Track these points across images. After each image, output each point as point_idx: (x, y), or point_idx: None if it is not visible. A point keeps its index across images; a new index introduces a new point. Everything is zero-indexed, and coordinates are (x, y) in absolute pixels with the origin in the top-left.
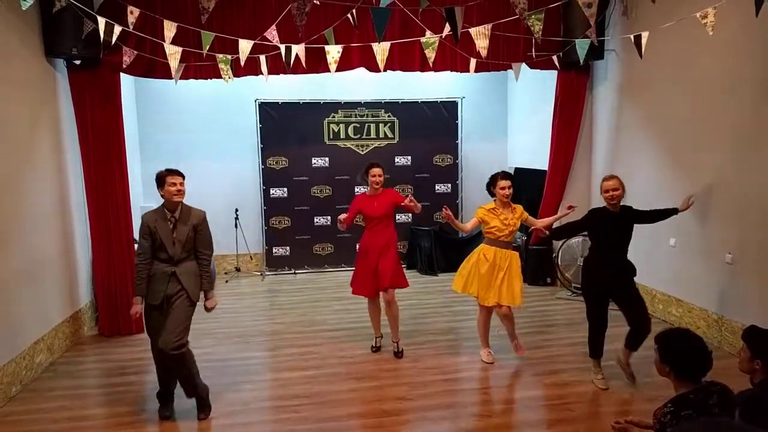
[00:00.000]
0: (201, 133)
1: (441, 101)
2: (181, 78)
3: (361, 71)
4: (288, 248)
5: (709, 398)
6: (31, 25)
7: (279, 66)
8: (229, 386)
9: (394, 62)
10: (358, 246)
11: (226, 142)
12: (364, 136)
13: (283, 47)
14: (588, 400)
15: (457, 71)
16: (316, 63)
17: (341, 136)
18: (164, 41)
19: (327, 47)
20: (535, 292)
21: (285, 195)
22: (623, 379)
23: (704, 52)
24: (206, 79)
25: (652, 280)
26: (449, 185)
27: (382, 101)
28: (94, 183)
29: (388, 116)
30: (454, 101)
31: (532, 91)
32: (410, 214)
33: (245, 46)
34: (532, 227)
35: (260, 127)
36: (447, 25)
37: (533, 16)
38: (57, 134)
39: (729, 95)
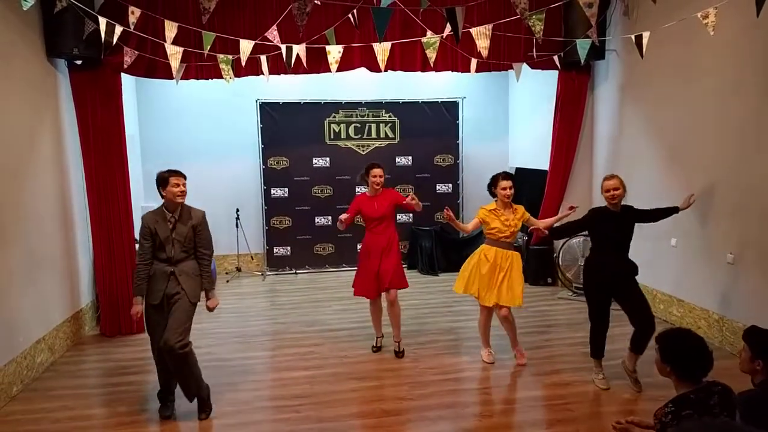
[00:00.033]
0: (202, 133)
1: (442, 101)
2: (182, 78)
3: (362, 71)
4: (289, 248)
5: (710, 398)
6: (32, 25)
7: (280, 66)
8: (230, 386)
9: (395, 62)
10: (359, 247)
11: (226, 142)
12: (364, 136)
13: (284, 47)
14: (589, 400)
15: (458, 71)
16: (317, 63)
17: (342, 136)
18: (165, 41)
19: (328, 47)
20: (536, 292)
21: (286, 195)
22: (624, 379)
23: (705, 53)
24: (207, 79)
25: (653, 280)
26: (450, 185)
27: (383, 101)
28: (95, 183)
29: (389, 116)
30: (455, 101)
31: (533, 91)
32: (411, 214)
33: (246, 46)
34: (533, 227)
35: (261, 127)
36: (448, 25)
37: (534, 16)
38: (58, 134)
39: (730, 95)
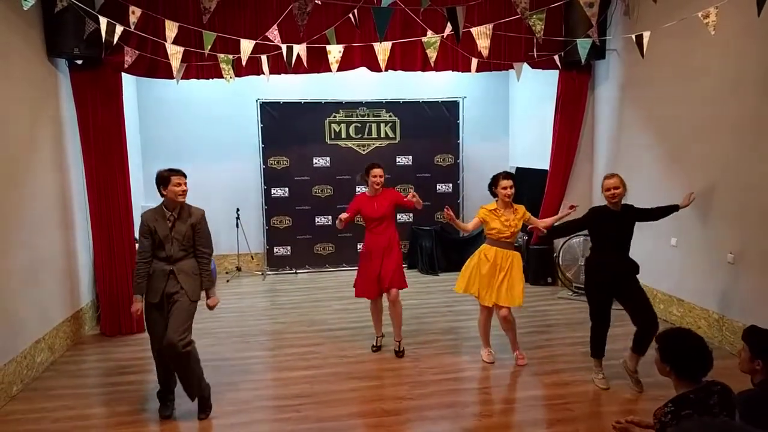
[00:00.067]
0: (202, 132)
1: (442, 101)
2: (182, 78)
3: (363, 71)
4: (289, 248)
5: (710, 398)
6: (33, 25)
7: (280, 66)
8: (230, 386)
9: (396, 62)
10: (359, 247)
11: (227, 142)
12: (365, 136)
13: (284, 47)
14: (588, 399)
15: (458, 71)
16: (317, 63)
17: (342, 136)
18: (166, 41)
19: (328, 47)
20: (536, 292)
21: (286, 195)
22: (624, 379)
23: (706, 52)
24: (208, 78)
25: (653, 280)
26: (450, 185)
27: (384, 101)
28: (96, 183)
29: (390, 116)
30: (456, 101)
31: (534, 90)
32: (411, 214)
33: (247, 45)
34: (532, 226)
35: (261, 127)
36: (448, 24)
37: (535, 16)
38: (58, 134)
39: (730, 95)
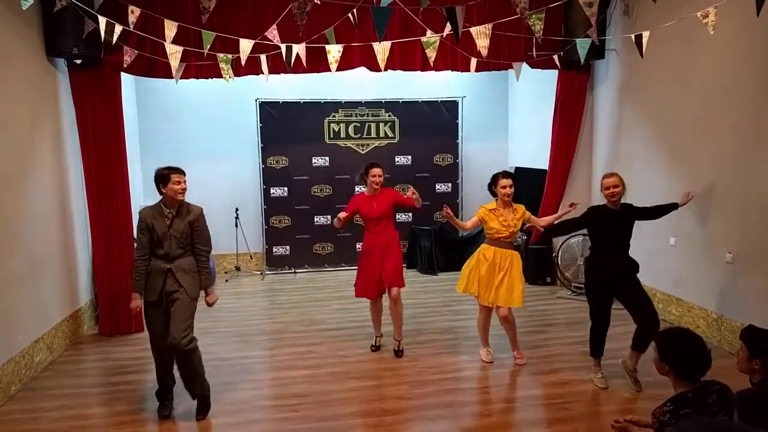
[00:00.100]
0: (201, 132)
1: (441, 101)
2: (181, 77)
3: (362, 71)
4: (288, 247)
5: (708, 397)
6: (32, 24)
7: (279, 65)
8: (229, 385)
9: (395, 62)
10: (358, 246)
11: (226, 142)
12: (364, 136)
13: (283, 47)
14: (587, 399)
15: (457, 71)
16: (316, 62)
17: (342, 136)
18: (165, 41)
19: (328, 47)
20: (535, 292)
21: (285, 194)
22: (622, 378)
23: (705, 52)
24: (207, 78)
25: (651, 280)
26: (449, 185)
27: (383, 101)
28: (95, 182)
29: (389, 116)
30: (455, 101)
31: (533, 90)
32: (410, 214)
33: (246, 45)
34: (530, 225)
35: (261, 127)
36: (448, 24)
37: (534, 16)
38: (57, 134)
39: (729, 95)
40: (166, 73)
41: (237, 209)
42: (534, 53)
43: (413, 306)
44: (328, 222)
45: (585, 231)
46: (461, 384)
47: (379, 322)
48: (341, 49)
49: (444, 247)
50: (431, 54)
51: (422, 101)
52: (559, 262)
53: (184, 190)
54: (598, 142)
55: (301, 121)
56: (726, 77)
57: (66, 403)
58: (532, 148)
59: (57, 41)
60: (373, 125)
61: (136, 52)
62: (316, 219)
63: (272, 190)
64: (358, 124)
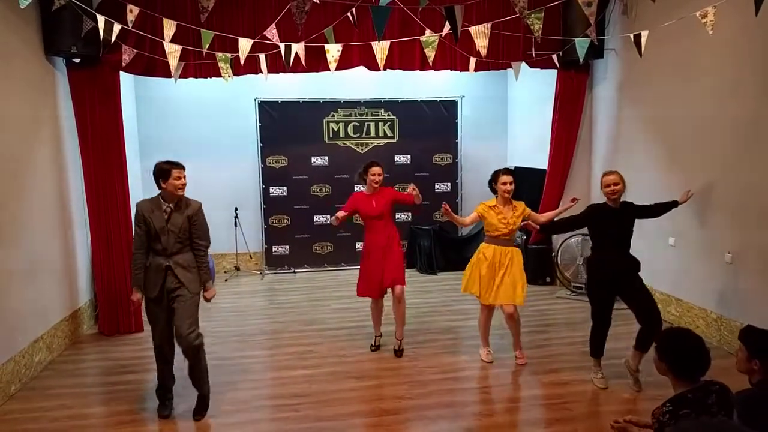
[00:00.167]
0: (200, 131)
1: (441, 100)
2: (180, 76)
3: (361, 70)
4: (287, 247)
5: (708, 398)
6: (31, 23)
7: (279, 65)
8: (229, 385)
9: (394, 61)
10: (358, 246)
11: (225, 141)
12: (363, 135)
13: (282, 46)
14: (587, 399)
15: (456, 70)
16: (315, 62)
17: (341, 135)
18: (164, 40)
19: (327, 46)
20: (535, 292)
21: (284, 194)
22: (623, 378)
23: (704, 52)
24: (206, 77)
25: (651, 280)
26: (449, 184)
27: (382, 100)
28: (94, 181)
29: (388, 115)
30: (454, 100)
31: (532, 90)
32: (409, 213)
33: (245, 44)
34: (526, 223)
35: (260, 126)
36: (447, 23)
37: (533, 15)
38: (56, 133)
39: (728, 94)
40: (165, 72)
41: (236, 209)
42: (533, 53)
43: (413, 306)
44: (328, 221)
45: (585, 231)
46: (461, 384)
47: (379, 322)
48: (340, 49)
49: (443, 247)
50: (430, 53)
51: (421, 101)
52: (559, 262)
53: (185, 185)
54: (597, 142)
55: (300, 120)
56: (725, 77)
57: (66, 403)
58: (531, 148)
59: (55, 40)
60: (372, 125)
61: (134, 51)
62: (315, 218)
63: (271, 190)
64: (358, 124)
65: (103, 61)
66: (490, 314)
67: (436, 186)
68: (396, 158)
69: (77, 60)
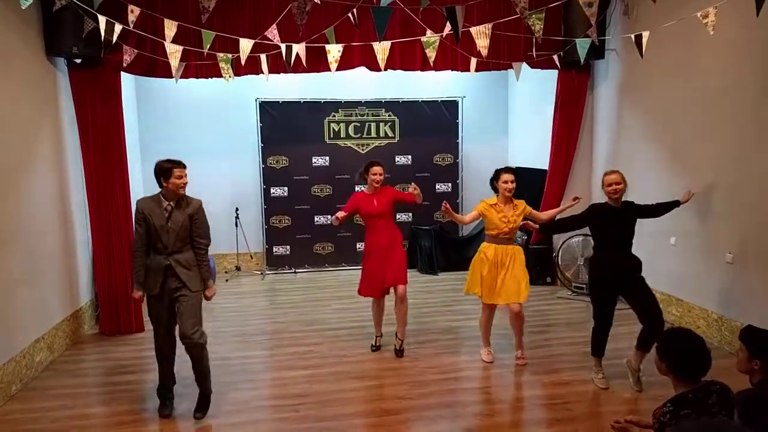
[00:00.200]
0: (201, 132)
1: (442, 100)
2: (181, 77)
3: (362, 70)
4: (288, 247)
5: (709, 398)
6: (32, 24)
7: (279, 65)
8: (229, 385)
9: (395, 61)
10: (359, 246)
11: (226, 141)
12: (364, 135)
13: (283, 46)
14: (588, 399)
15: (457, 70)
16: (316, 62)
17: (342, 135)
18: (165, 40)
19: (328, 46)
20: (536, 292)
21: (285, 194)
22: (623, 378)
23: (705, 52)
24: (207, 78)
25: (652, 279)
26: (450, 184)
27: (383, 100)
28: (95, 181)
29: (389, 115)
30: (455, 100)
31: (533, 90)
32: (410, 213)
33: (246, 45)
34: (526, 223)
35: (261, 126)
36: (448, 24)
37: (534, 16)
38: (57, 133)
39: (729, 95)
40: (166, 72)
41: (237, 209)
42: (534, 53)
43: (414, 306)
44: (329, 222)
45: (586, 231)
46: (462, 384)
47: (380, 322)
48: (341, 49)
49: (444, 247)
50: (431, 54)
51: (422, 101)
52: (560, 262)
53: (186, 184)
54: (598, 142)
55: (301, 120)
56: (726, 77)
57: (66, 403)
58: (532, 148)
59: (57, 40)
60: (373, 125)
61: (135, 51)
62: (316, 219)
63: (272, 190)
64: (358, 124)
65: (104, 62)
66: (491, 314)
67: (437, 186)
68: (397, 158)
69: (78, 60)
